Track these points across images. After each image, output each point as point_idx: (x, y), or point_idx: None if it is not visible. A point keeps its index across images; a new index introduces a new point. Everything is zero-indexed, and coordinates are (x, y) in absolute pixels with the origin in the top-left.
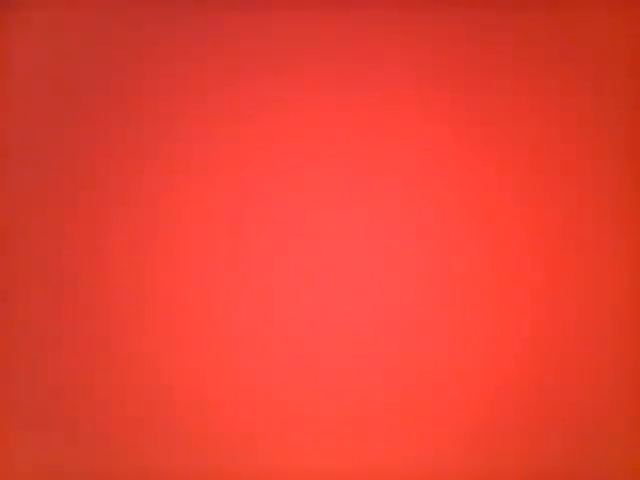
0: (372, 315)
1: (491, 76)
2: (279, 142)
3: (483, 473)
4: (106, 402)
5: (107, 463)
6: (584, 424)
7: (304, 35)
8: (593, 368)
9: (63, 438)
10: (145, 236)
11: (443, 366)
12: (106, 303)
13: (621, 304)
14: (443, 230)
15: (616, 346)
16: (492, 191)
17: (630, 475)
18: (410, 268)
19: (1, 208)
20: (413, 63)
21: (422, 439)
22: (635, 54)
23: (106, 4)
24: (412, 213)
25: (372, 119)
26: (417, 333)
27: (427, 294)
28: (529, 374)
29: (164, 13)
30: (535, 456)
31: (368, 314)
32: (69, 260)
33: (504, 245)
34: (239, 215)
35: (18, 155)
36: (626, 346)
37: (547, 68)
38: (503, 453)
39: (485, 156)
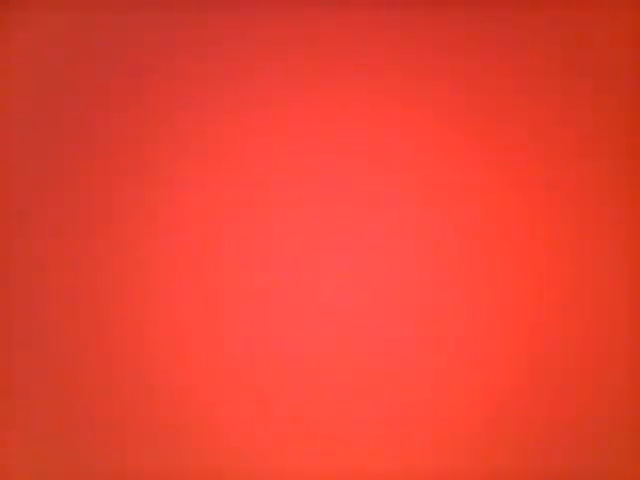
0: (373, 315)
1: (491, 75)
2: (276, 140)
3: (483, 473)
4: (106, 402)
5: (107, 463)
6: (585, 424)
7: (305, 35)
8: (594, 368)
9: (63, 438)
10: (145, 235)
11: (444, 366)
12: (106, 303)
13: (622, 304)
14: (446, 232)
15: (617, 346)
16: (491, 188)
17: (631, 475)
18: (411, 267)
19: (1, 208)
20: (413, 62)
21: (422, 439)
22: (635, 54)
23: (106, 4)
24: (414, 214)
25: (371, 118)
26: (418, 334)
27: (431, 295)
28: (529, 374)
29: (164, 13)
30: (535, 456)
31: (369, 314)
32: (69, 261)
33: (507, 246)
34: (239, 214)
35: (18, 155)
36: (627, 345)
37: (547, 68)
38: (503, 453)
39: (485, 155)
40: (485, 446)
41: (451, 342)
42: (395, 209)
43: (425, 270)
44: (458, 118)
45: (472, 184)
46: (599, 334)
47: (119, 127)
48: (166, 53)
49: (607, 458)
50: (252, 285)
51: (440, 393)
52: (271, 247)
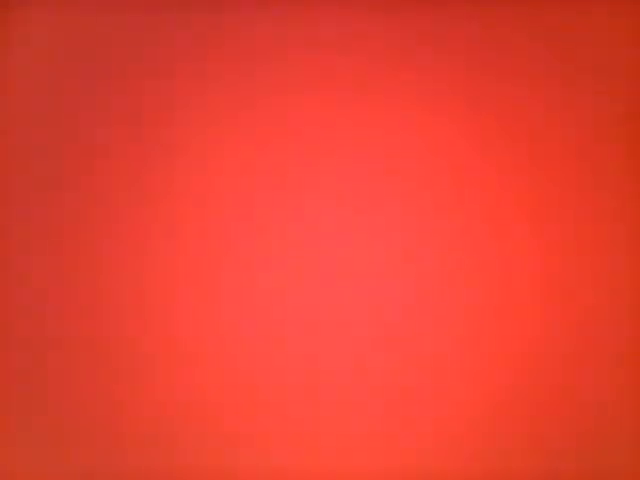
0: (373, 315)
1: (491, 75)
2: (280, 141)
3: (482, 473)
4: (106, 403)
5: (107, 463)
6: (585, 424)
7: (305, 35)
8: (595, 368)
9: (64, 438)
10: (145, 236)
11: (443, 366)
12: (106, 304)
13: (623, 303)
14: (445, 229)
15: (618, 345)
16: (493, 189)
17: (632, 475)
18: (412, 267)
19: (1, 208)
20: (415, 62)
21: (422, 439)
22: (635, 54)
23: (106, 4)
24: (414, 212)
25: (373, 119)
26: (418, 333)
27: (428, 294)
28: (530, 374)
29: (164, 13)
30: (536, 456)
31: (369, 313)
32: (69, 261)
33: (506, 244)
34: (239, 216)
35: (18, 155)
36: (628, 345)
37: (547, 68)
38: (503, 453)
39: (486, 155)
40: (484, 446)
41: (450, 341)
42: (395, 209)
43: (425, 269)
44: (458, 118)
45: (471, 183)
46: (599, 333)
47: (119, 127)
48: (166, 53)
49: (607, 458)
50: (253, 285)
51: (439, 393)
52: (271, 248)
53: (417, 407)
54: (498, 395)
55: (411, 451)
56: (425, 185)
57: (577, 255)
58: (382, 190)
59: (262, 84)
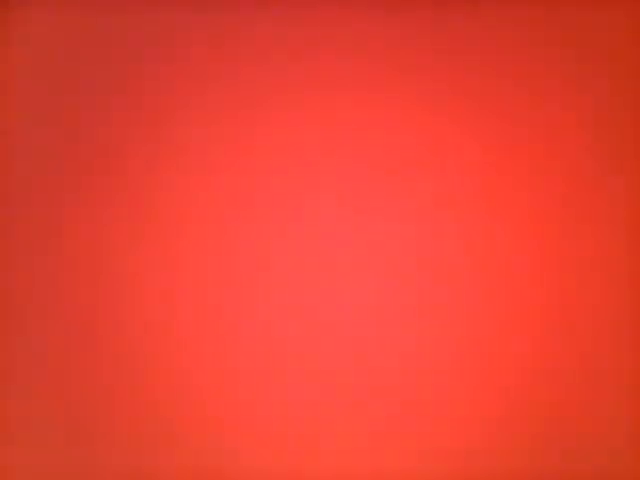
0: (373, 315)
1: (491, 76)
2: (280, 141)
3: (483, 473)
4: (105, 403)
5: (106, 463)
6: (585, 424)
7: (305, 35)
8: (595, 368)
9: (62, 438)
10: (145, 235)
11: (445, 367)
12: (106, 304)
13: (623, 303)
14: (445, 229)
15: (619, 345)
16: (493, 189)
17: (632, 475)
18: (413, 267)
19: (1, 207)
20: (415, 62)
21: (423, 440)
22: (635, 54)
23: (106, 4)
24: (414, 212)
25: (373, 118)
26: (419, 334)
27: (429, 294)
28: (530, 374)
29: (164, 13)
30: (535, 456)
31: (370, 314)
32: (69, 260)
33: (506, 244)
34: (240, 215)
35: (18, 155)
36: (629, 345)
37: (547, 68)
38: (504, 453)
39: (486, 155)
40: (485, 447)
41: (452, 343)
42: (395, 211)
43: (429, 271)
44: (458, 118)
45: (471, 183)
46: (600, 334)
47: (119, 127)
48: (166, 53)
49: (607, 458)
50: (253, 285)
51: (440, 394)
52: (272, 248)
53: (418, 408)
54: (499, 396)
55: (412, 452)
56: (425, 185)
57: (577, 255)
58: (382, 190)
59: (262, 84)
